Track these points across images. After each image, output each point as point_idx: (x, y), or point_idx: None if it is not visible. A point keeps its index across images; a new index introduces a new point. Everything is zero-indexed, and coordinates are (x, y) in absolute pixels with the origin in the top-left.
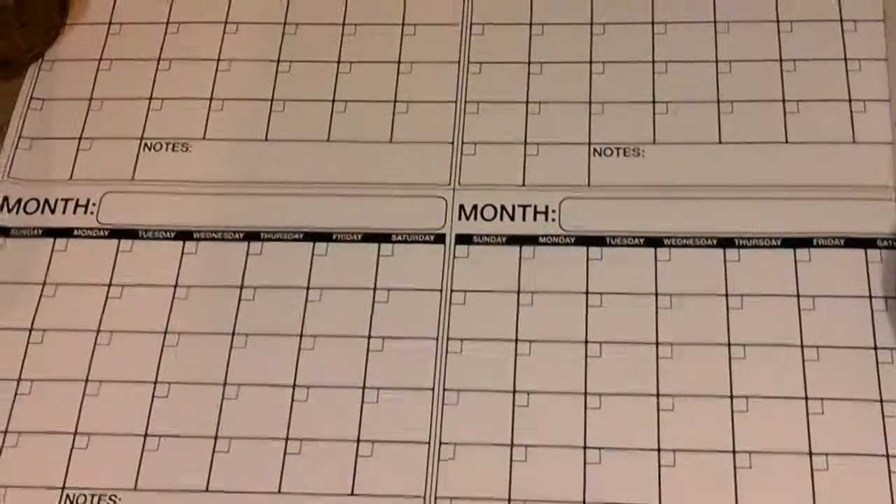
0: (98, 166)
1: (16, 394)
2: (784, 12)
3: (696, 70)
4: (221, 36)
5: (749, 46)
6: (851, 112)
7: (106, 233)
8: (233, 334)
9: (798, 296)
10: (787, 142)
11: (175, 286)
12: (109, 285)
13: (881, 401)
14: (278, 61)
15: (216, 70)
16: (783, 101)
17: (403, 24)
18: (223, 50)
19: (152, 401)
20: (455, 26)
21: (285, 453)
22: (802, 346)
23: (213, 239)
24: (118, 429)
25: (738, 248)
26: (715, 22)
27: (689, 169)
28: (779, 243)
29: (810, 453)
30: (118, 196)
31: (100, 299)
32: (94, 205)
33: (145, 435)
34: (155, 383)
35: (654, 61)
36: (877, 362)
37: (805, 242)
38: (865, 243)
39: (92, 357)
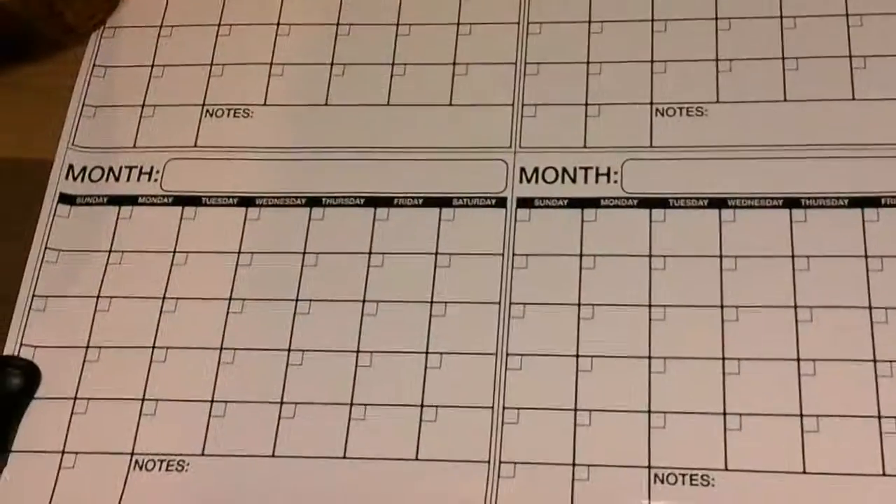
0: (161, 133)
1: (84, 360)
2: None
3: (760, 26)
4: (281, 1)
5: (814, 2)
6: None
7: (170, 200)
8: (296, 300)
9: (866, 256)
10: (853, 98)
11: (238, 252)
12: (174, 252)
13: None
14: (338, 24)
15: (276, 35)
16: (850, 56)
17: None
18: (282, 14)
19: (218, 367)
20: None
21: (350, 418)
22: (870, 309)
23: (275, 205)
24: (185, 395)
25: (805, 209)
26: None
27: (754, 128)
28: (846, 203)
29: (879, 416)
30: (181, 163)
31: (165, 266)
32: (157, 172)
33: (212, 401)
34: (220, 349)
35: (717, 18)
36: None
37: (873, 202)
38: None
39: (158, 324)
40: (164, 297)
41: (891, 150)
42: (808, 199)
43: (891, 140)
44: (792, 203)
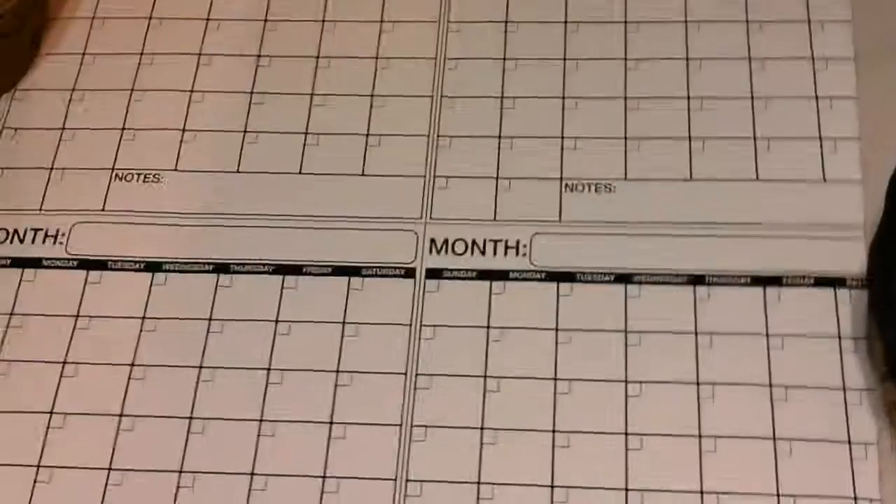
0: (69, 197)
1: None
2: (756, 50)
3: (668, 106)
4: (195, 67)
5: (721, 83)
6: (822, 150)
7: (75, 263)
8: (200, 367)
9: (767, 335)
10: (757, 179)
11: (143, 318)
12: (77, 316)
13: (849, 442)
14: (252, 93)
15: (189, 101)
16: (754, 138)
17: (377, 58)
18: (197, 81)
19: (117, 435)
20: (429, 60)
21: (250, 489)
22: (771, 386)
23: (182, 271)
24: (83, 462)
25: (708, 286)
26: (687, 59)
27: (660, 205)
28: (749, 281)
29: (778, 495)
30: (88, 227)
31: (67, 331)
32: (63, 235)
33: (109, 468)
34: (121, 416)
35: (626, 97)
36: (845, 403)
37: (775, 281)
38: (835, 283)
39: (58, 389)
40: (64, 362)
41: (793, 229)
42: (712, 276)
43: (793, 220)
44: (696, 280)
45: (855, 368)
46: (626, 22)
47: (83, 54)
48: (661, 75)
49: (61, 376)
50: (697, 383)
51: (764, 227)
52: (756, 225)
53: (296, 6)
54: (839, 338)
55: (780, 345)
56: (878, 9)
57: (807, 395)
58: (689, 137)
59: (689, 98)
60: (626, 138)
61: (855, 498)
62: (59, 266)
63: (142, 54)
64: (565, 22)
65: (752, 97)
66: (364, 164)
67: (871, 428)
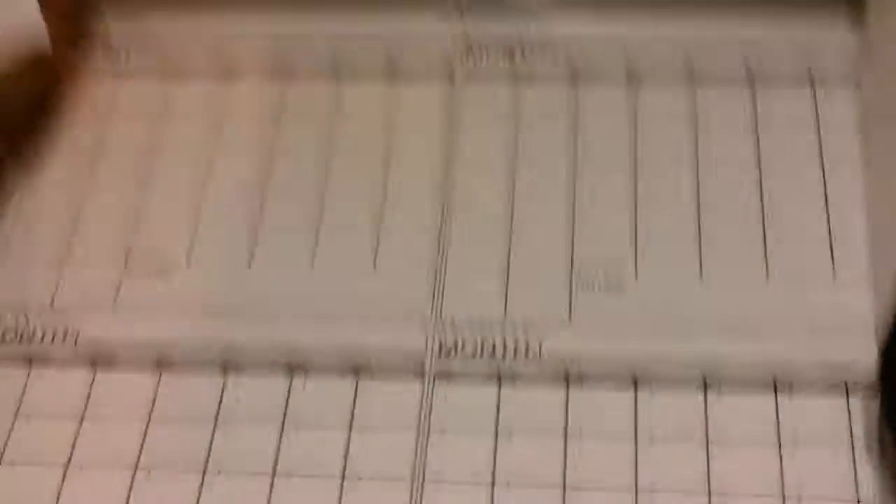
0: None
1: None
2: (765, 150)
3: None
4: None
5: (731, 183)
6: (832, 249)
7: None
8: (205, 472)
9: (779, 442)
10: (767, 281)
11: (150, 417)
12: (83, 415)
13: None
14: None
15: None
16: (764, 238)
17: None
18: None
19: None
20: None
21: None
22: (784, 497)
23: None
24: None
25: (720, 391)
26: (697, 160)
27: (670, 307)
28: (759, 386)
29: None
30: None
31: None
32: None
33: None
34: None
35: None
36: None
37: (786, 385)
38: (847, 388)
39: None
40: (69, 464)
41: (804, 334)
42: (724, 381)
43: (804, 324)
44: (707, 384)
45: (868, 478)
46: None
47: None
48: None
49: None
50: (709, 492)
51: (773, 329)
52: (766, 327)
53: (306, 105)
54: (852, 446)
55: (792, 452)
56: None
57: None
58: (699, 237)
59: (698, 197)
60: (635, 237)
61: None
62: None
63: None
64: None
65: (762, 196)
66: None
67: None
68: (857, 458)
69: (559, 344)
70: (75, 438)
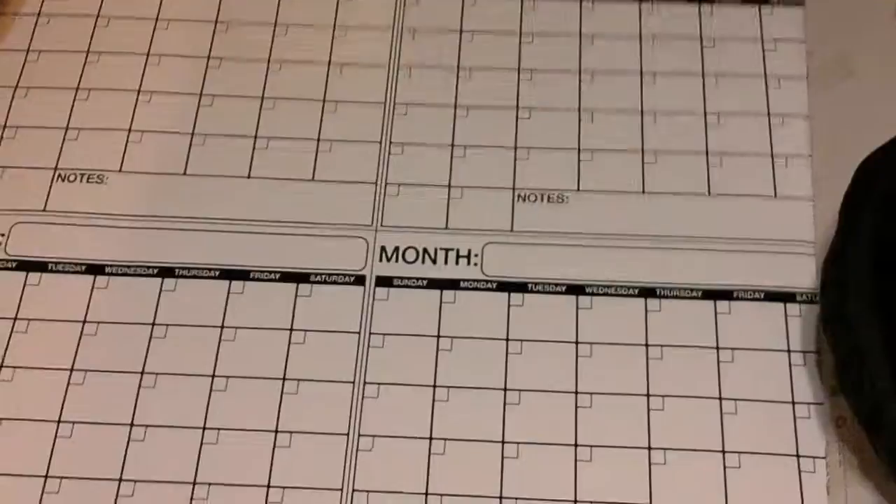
0: (9, 196)
1: None
2: (710, 65)
3: (622, 119)
4: (143, 67)
5: (675, 97)
6: (774, 166)
7: (14, 265)
8: (142, 373)
9: (717, 348)
10: (709, 194)
11: (84, 322)
12: (15, 319)
13: (797, 455)
14: (201, 94)
15: (136, 101)
16: (706, 153)
17: (330, 64)
18: (144, 81)
19: (54, 441)
20: (382, 68)
21: (191, 499)
22: (721, 399)
23: (125, 274)
24: (20, 469)
25: (660, 299)
26: (641, 73)
27: (612, 218)
28: (700, 295)
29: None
30: (28, 227)
31: (4, 334)
32: (2, 235)
33: (46, 476)
34: (59, 422)
35: (580, 109)
36: (794, 416)
37: (725, 295)
38: (785, 297)
39: None
40: (2, 366)
41: (744, 244)
42: (663, 289)
43: (744, 235)
44: (647, 292)
45: (804, 382)
46: (581, 34)
47: (28, 50)
48: (615, 88)
49: None
50: (648, 395)
51: (715, 241)
52: (707, 239)
53: (248, 8)
54: (789, 352)
55: (730, 358)
56: (831, 29)
57: (756, 408)
58: (643, 151)
59: (642, 112)
60: (579, 149)
61: None
62: None
63: (88, 52)
64: (520, 33)
65: (706, 112)
66: (315, 170)
67: (820, 442)
68: (792, 363)
69: (501, 253)
70: (7, 341)
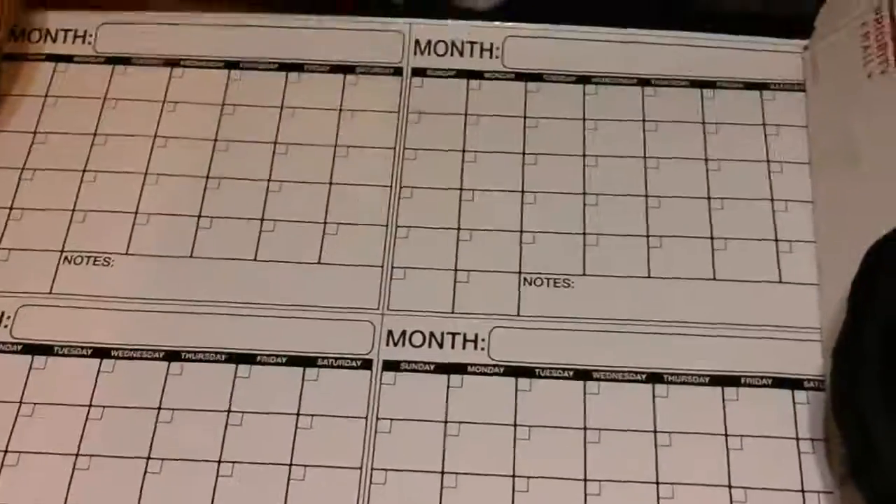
0: (14, 278)
1: None
2: (713, 150)
3: (626, 204)
4: (150, 149)
5: (678, 182)
6: (778, 252)
7: (19, 348)
8: (148, 458)
9: (726, 435)
10: (714, 279)
11: (90, 406)
12: (20, 403)
13: None
14: (207, 177)
15: (143, 184)
16: (711, 238)
17: (336, 146)
18: (151, 164)
19: None
20: (388, 150)
21: None
22: (730, 487)
23: (131, 357)
24: None
25: (667, 385)
26: (645, 157)
27: (618, 302)
28: (707, 381)
29: None
30: (34, 310)
31: (10, 418)
32: (8, 318)
33: None
34: None
35: (584, 193)
36: None
37: (733, 381)
38: (793, 384)
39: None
40: (6, 451)
41: (750, 330)
42: (671, 374)
43: (750, 321)
44: (654, 378)
45: (813, 470)
46: (584, 119)
47: (35, 132)
48: (619, 172)
49: (2, 465)
50: (657, 482)
51: (721, 326)
52: (713, 325)
53: (254, 92)
54: (797, 439)
55: (738, 445)
56: (832, 115)
57: (767, 497)
58: (647, 235)
59: (647, 196)
60: (584, 234)
61: None
62: (2, 351)
63: (95, 135)
64: (524, 117)
65: (709, 198)
66: (321, 253)
67: None
68: (801, 451)
69: (508, 337)
70: (13, 426)
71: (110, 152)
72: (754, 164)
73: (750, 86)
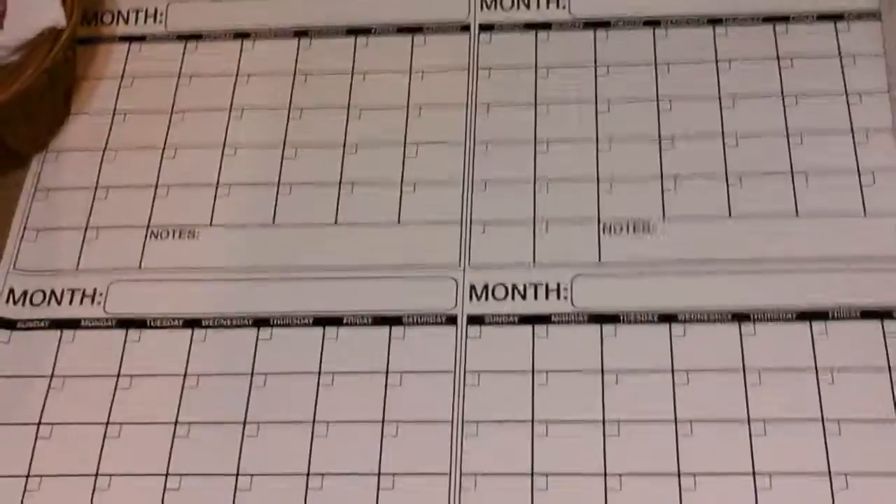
0: (104, 255)
1: (24, 490)
2: (788, 86)
3: (702, 145)
4: (227, 121)
5: (755, 120)
6: (861, 184)
7: (113, 323)
8: (244, 423)
9: (816, 369)
10: (797, 215)
11: (185, 375)
12: (118, 376)
13: None
14: (284, 145)
15: (222, 155)
16: (791, 173)
17: (409, 106)
18: (228, 135)
19: (164, 494)
20: (461, 107)
21: None
22: (823, 420)
23: (222, 326)
24: None
25: (754, 323)
26: (720, 97)
27: (700, 244)
28: (794, 317)
29: None
30: (125, 285)
31: (109, 391)
32: (101, 294)
33: None
34: (167, 475)
35: (660, 137)
36: None
37: (821, 316)
38: (882, 315)
39: (102, 451)
40: (108, 423)
41: (835, 263)
42: (758, 313)
43: (835, 254)
44: (741, 317)
45: None
46: (656, 62)
47: (114, 113)
48: (695, 113)
49: (105, 437)
50: (749, 421)
51: (806, 262)
52: (798, 260)
53: (324, 58)
54: (889, 369)
55: (829, 379)
56: None
57: (861, 428)
58: (727, 174)
59: (724, 135)
60: (662, 177)
61: None
62: (97, 326)
63: (172, 112)
64: (595, 66)
65: (788, 133)
66: (400, 212)
67: None
68: (893, 381)
69: (590, 286)
70: (112, 399)
71: (188, 127)
72: (832, 96)
73: (823, 17)
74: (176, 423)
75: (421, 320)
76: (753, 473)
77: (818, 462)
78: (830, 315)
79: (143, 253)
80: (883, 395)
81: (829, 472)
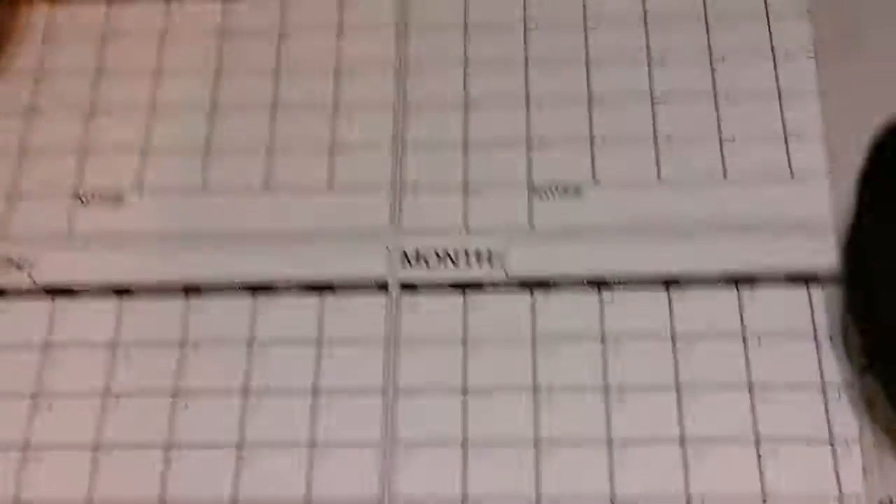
0: (30, 223)
1: None
2: (716, 45)
3: (632, 106)
4: (152, 84)
5: (683, 80)
6: (787, 145)
7: (41, 291)
8: (174, 392)
9: (744, 335)
10: (725, 178)
11: (114, 344)
12: (46, 345)
13: (831, 438)
14: (212, 108)
15: (147, 119)
16: (720, 137)
17: (336, 67)
18: (156, 97)
19: (95, 466)
20: (389, 66)
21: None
22: (750, 386)
23: (151, 293)
24: (58, 494)
25: (683, 288)
26: (648, 55)
27: (629, 209)
28: (722, 282)
29: (763, 497)
30: (53, 253)
31: (36, 362)
32: (29, 264)
33: (86, 501)
34: (95, 447)
35: (590, 97)
36: (825, 398)
37: (748, 280)
38: (808, 279)
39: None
40: (36, 395)
41: (762, 228)
42: (686, 278)
43: (762, 219)
44: (670, 283)
45: (832, 363)
46: (585, 21)
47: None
48: (623, 73)
49: (34, 409)
50: (677, 387)
51: (733, 226)
52: (725, 224)
53: (250, 19)
54: (815, 333)
55: (757, 344)
56: (835, 2)
57: (787, 393)
58: (655, 137)
59: (652, 96)
60: (591, 138)
61: (840, 495)
62: (25, 296)
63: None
64: (524, 20)
65: (715, 93)
66: (330, 177)
67: (853, 423)
68: (820, 347)
69: (522, 251)
70: (40, 370)
71: (112, 87)
72: (759, 56)
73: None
74: (105, 394)
75: (353, 286)
76: (683, 440)
77: (746, 428)
78: (757, 280)
79: (69, 220)
80: (809, 359)
81: (757, 439)
